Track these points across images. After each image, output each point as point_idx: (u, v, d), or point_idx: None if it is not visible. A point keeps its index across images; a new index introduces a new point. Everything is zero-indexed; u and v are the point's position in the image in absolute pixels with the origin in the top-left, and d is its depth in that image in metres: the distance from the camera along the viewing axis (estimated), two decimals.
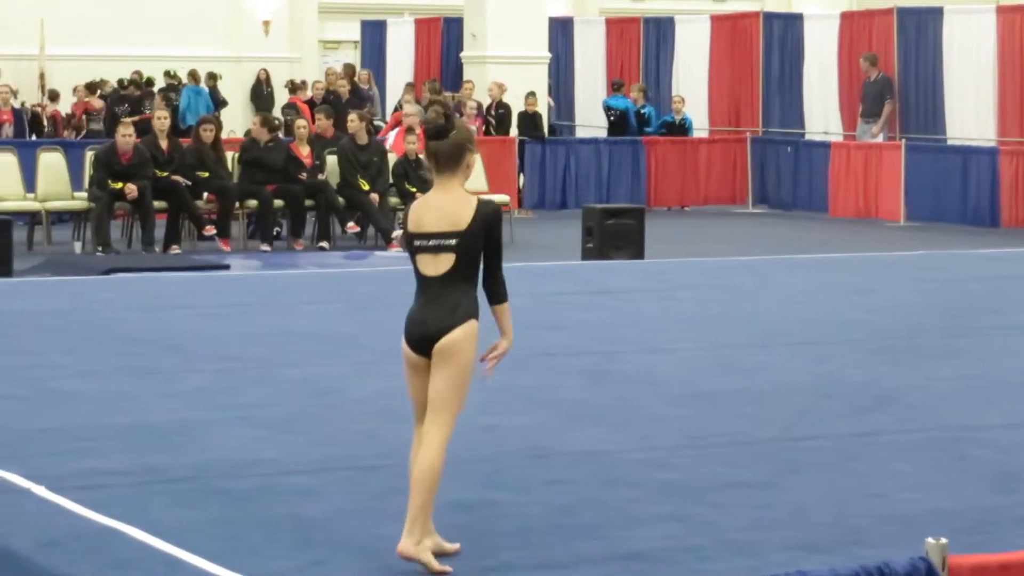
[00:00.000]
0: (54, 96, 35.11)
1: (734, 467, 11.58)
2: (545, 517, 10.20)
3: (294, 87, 37.34)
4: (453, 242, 8.72)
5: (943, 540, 6.05)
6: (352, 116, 27.98)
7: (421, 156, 27.19)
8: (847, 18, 35.14)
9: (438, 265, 8.76)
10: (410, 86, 34.19)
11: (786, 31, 35.50)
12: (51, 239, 26.63)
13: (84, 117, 34.59)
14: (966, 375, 15.24)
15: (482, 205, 8.81)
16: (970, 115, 31.84)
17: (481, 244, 8.78)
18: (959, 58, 31.89)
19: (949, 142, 31.99)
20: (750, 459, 11.81)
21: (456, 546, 9.08)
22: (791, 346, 16.78)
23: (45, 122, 33.99)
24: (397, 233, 26.67)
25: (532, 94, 33.99)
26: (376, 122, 31.47)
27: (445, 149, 8.81)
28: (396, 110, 33.21)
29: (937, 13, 32.84)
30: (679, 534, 9.86)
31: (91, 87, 35.59)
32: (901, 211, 31.20)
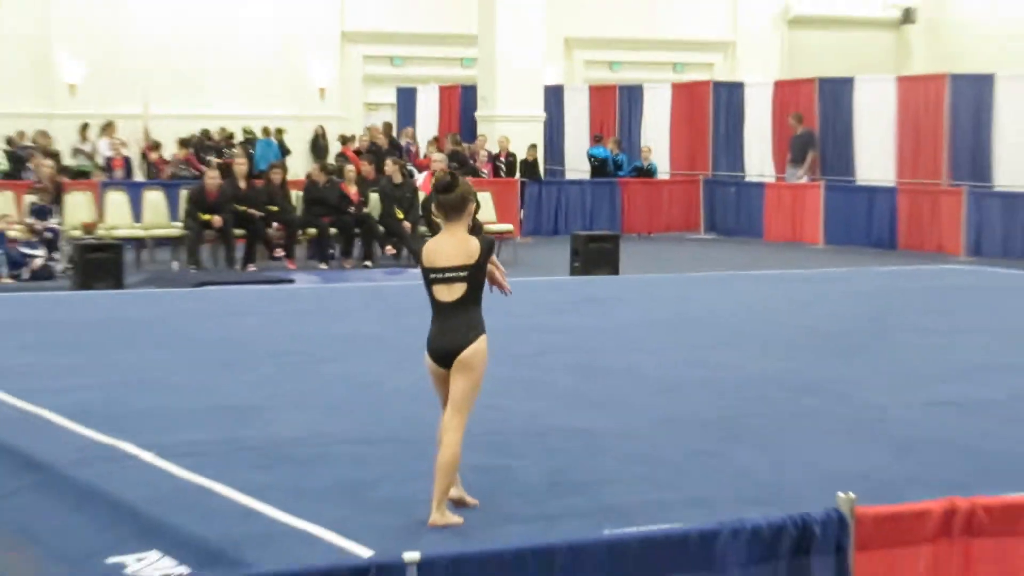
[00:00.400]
0: (156, 147, 35.07)
1: (693, 439, 11.60)
2: (543, 478, 10.23)
3: (344, 140, 37.28)
4: (464, 274, 8.80)
5: (851, 495, 6.05)
6: (389, 162, 28.14)
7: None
8: (779, 86, 35.13)
9: (452, 293, 8.83)
10: (434, 139, 34.20)
11: (731, 96, 35.49)
12: (154, 259, 26.70)
13: (180, 163, 34.60)
14: (874, 365, 15.25)
15: (482, 240, 8.89)
16: (875, 161, 31.82)
17: (485, 272, 8.84)
18: (867, 117, 31.87)
19: (858, 183, 31.98)
20: (705, 433, 11.83)
21: (475, 501, 9.12)
22: (738, 344, 16.77)
23: (148, 167, 33.97)
24: None
25: (533, 146, 34.10)
26: (409, 167, 31.43)
27: (451, 200, 8.88)
28: (423, 158, 33.26)
29: (849, 82, 32.85)
30: (649, 491, 9.88)
31: (185, 140, 35.60)
32: (821, 236, 31.21)
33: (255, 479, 10.03)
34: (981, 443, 11.47)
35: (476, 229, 9.24)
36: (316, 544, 8.58)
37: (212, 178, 26.10)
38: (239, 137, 37.00)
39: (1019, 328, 18.34)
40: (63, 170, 29.39)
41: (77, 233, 24.74)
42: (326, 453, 10.97)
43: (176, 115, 37.63)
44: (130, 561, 8.64)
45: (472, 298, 8.84)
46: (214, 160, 31.83)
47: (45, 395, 12.93)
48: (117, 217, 26.29)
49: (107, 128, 34.51)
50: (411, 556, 5.53)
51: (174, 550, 8.69)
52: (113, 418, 11.98)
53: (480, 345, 8.85)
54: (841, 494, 6.06)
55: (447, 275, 8.82)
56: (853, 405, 13.10)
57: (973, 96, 30.11)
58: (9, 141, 33.87)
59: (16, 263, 23.54)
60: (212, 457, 10.71)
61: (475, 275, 8.83)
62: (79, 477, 10.22)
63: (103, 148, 33.68)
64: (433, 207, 9.28)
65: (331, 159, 34.69)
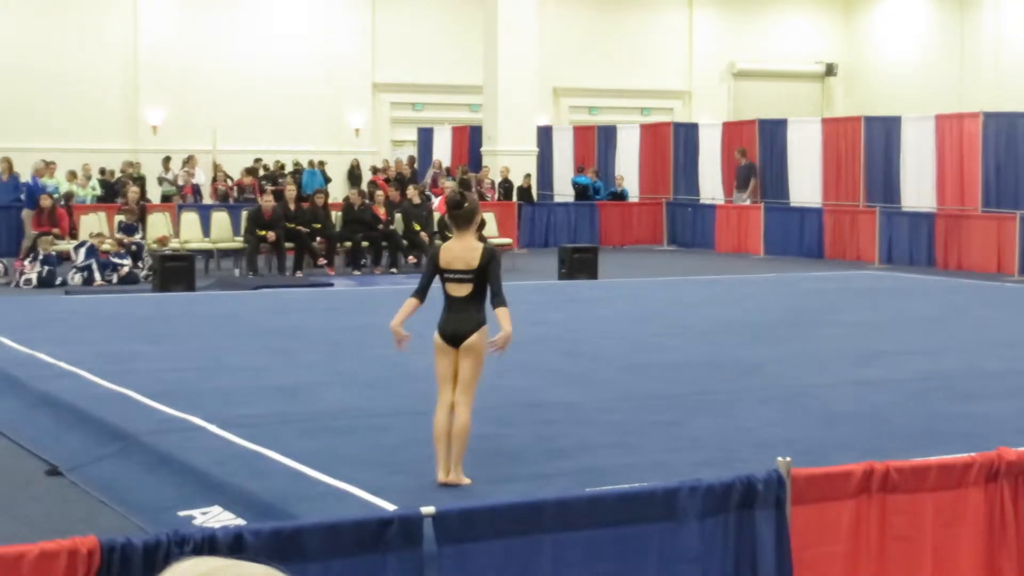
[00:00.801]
0: (223, 176, 35.10)
1: (656, 412, 11.54)
2: (535, 445, 10.17)
3: (375, 170, 37.32)
4: (471, 275, 8.78)
5: (788, 459, 6.01)
6: (411, 188, 28.22)
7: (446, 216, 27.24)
8: (727, 126, 35.10)
9: (461, 290, 8.85)
10: (447, 171, 34.19)
11: (688, 134, 35.44)
12: (220, 267, 26.67)
13: (246, 188, 34.66)
14: (806, 352, 15.20)
15: (487, 250, 8.87)
16: (805, 187, 31.77)
17: (487, 275, 8.79)
18: (798, 151, 31.84)
19: (792, 204, 31.93)
20: (667, 407, 11.77)
21: (469, 481, 9.01)
22: (693, 334, 16.73)
23: (217, 192, 33.96)
24: None
25: (528, 175, 34.10)
26: (427, 192, 31.37)
27: (462, 214, 8.88)
28: (438, 187, 33.27)
29: (784, 123, 32.80)
30: (622, 455, 9.83)
31: (247, 170, 35.64)
32: (762, 248, 31.17)
33: (301, 446, 9.97)
34: (893, 415, 11.42)
35: (481, 239, 9.20)
36: (350, 500, 8.53)
37: (267, 201, 26.15)
38: (289, 168, 37.00)
39: (921, 320, 18.29)
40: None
41: (155, 246, 24.80)
42: (360, 424, 10.92)
43: (239, 151, 37.64)
44: (197, 514, 8.60)
45: (477, 295, 8.87)
46: (269, 187, 31.78)
47: (129, 376, 12.89)
48: (190, 232, 26.31)
49: (188, 161, 34.65)
50: (428, 510, 5.51)
51: (233, 505, 8.65)
52: (185, 396, 11.92)
53: (482, 333, 8.87)
54: (780, 458, 6.01)
55: (458, 276, 8.84)
56: (787, 384, 13.05)
57: (883, 134, 30.08)
58: (102, 171, 33.91)
59: (108, 270, 23.65)
60: (266, 428, 10.65)
61: (479, 277, 8.83)
62: (156, 445, 10.17)
63: (182, 177, 33.72)
64: (447, 219, 9.28)
65: (364, 186, 34.63)
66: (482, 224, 22.06)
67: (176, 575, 2.26)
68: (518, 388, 12.56)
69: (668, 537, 5.81)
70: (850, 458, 7.00)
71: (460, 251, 8.85)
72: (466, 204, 8.92)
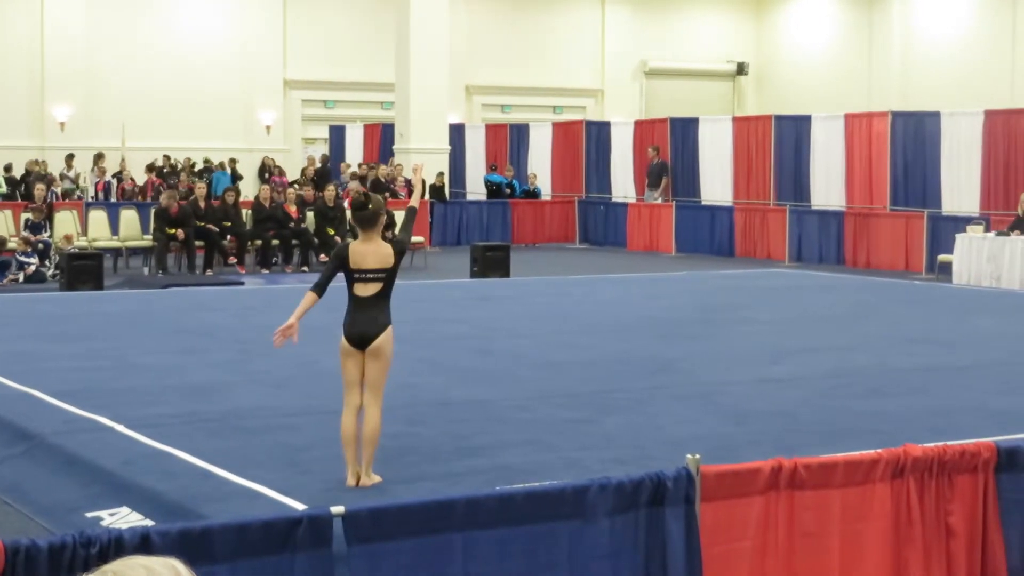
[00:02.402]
0: (129, 176, 34.76)
1: (568, 409, 11.56)
2: (447, 443, 10.16)
3: (281, 171, 37.24)
4: (382, 275, 8.75)
5: (697, 456, 6.05)
6: (329, 187, 28.14)
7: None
8: (639, 124, 35.27)
9: (369, 289, 8.81)
10: (355, 173, 34.06)
11: (600, 133, 35.58)
12: (128, 266, 26.42)
13: (150, 187, 34.35)
14: (717, 349, 15.30)
15: (395, 245, 8.86)
16: (716, 185, 32.01)
17: (396, 274, 8.81)
18: (709, 150, 32.07)
19: (703, 203, 32.15)
20: (578, 404, 11.80)
21: (379, 479, 8.98)
22: (606, 332, 16.78)
23: (123, 191, 33.62)
24: None
25: (440, 173, 34.04)
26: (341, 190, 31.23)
27: (366, 215, 8.84)
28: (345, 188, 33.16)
29: (695, 121, 33.03)
30: (534, 453, 9.84)
31: (155, 168, 35.38)
32: (673, 246, 31.35)
33: (210, 446, 9.91)
34: (802, 412, 11.52)
35: (392, 237, 9.15)
36: (260, 500, 8.48)
37: (177, 199, 25.99)
38: (199, 165, 36.73)
39: (830, 318, 18.47)
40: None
41: (62, 244, 24.55)
42: (270, 424, 10.85)
43: (149, 148, 37.31)
44: (105, 515, 8.52)
45: (384, 294, 8.83)
46: (168, 184, 31.56)
47: (36, 376, 12.74)
48: (98, 231, 26.08)
49: (98, 159, 34.29)
50: (337, 509, 5.50)
51: (141, 506, 8.57)
52: (92, 396, 11.81)
53: (389, 334, 8.82)
54: (689, 455, 6.05)
55: (370, 275, 8.77)
56: (697, 381, 13.12)
57: (793, 133, 30.36)
58: (7, 168, 33.47)
59: (13, 268, 23.38)
60: (175, 428, 10.56)
61: (390, 276, 8.81)
62: (62, 445, 10.06)
63: (90, 175, 33.35)
64: (351, 220, 9.26)
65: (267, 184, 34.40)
66: (390, 224, 21.99)
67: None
68: (429, 386, 12.54)
69: (578, 535, 5.84)
70: (760, 455, 7.06)
71: (370, 251, 8.79)
72: (370, 205, 8.88)
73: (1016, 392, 12.67)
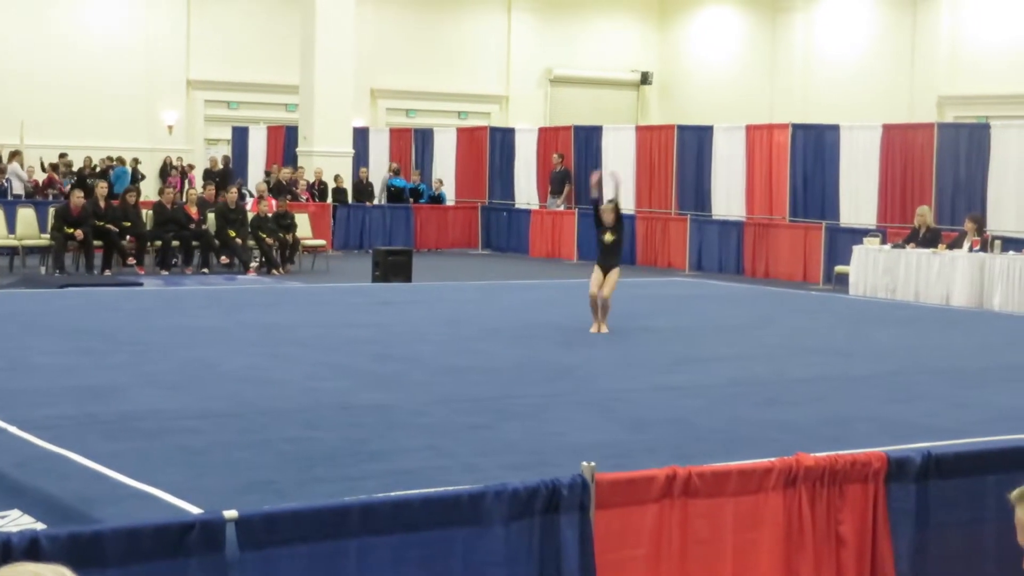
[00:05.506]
0: (29, 172, 34.32)
1: (468, 415, 11.56)
2: (346, 447, 10.11)
3: (182, 171, 36.95)
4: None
5: (592, 463, 6.06)
6: (233, 189, 27.96)
7: (269, 214, 27.11)
8: (543, 131, 35.40)
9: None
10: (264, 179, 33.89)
11: (504, 139, 35.67)
12: (25, 264, 26.07)
13: (48, 186, 33.95)
14: (616, 356, 15.36)
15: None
16: (619, 194, 32.15)
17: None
18: (612, 158, 32.21)
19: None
20: (478, 410, 11.80)
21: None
22: (506, 338, 16.80)
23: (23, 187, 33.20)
24: (255, 264, 26.45)
25: (338, 176, 33.93)
26: (243, 190, 31.04)
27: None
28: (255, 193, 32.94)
29: (599, 129, 33.24)
30: (432, 458, 9.82)
31: (54, 166, 34.99)
32: (575, 253, 31.49)
33: (105, 448, 9.79)
34: (700, 420, 11.59)
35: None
36: (155, 503, 8.39)
37: (77, 198, 25.71)
38: (99, 165, 36.36)
39: (730, 327, 18.61)
40: None
41: None
42: (168, 426, 10.74)
43: (47, 145, 36.85)
44: None
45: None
46: (70, 184, 31.19)
47: None
48: None
49: (15, 155, 33.94)
50: (230, 514, 5.44)
51: (33, 508, 8.44)
52: None
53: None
54: (584, 463, 6.07)
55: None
56: (595, 388, 13.17)
57: (696, 142, 30.62)
58: None
59: None
60: (69, 429, 10.43)
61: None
62: None
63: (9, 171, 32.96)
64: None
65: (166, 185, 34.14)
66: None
67: None
68: (328, 390, 12.48)
69: (473, 541, 5.83)
70: (657, 462, 7.11)
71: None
72: None
73: (910, 402, 12.86)
